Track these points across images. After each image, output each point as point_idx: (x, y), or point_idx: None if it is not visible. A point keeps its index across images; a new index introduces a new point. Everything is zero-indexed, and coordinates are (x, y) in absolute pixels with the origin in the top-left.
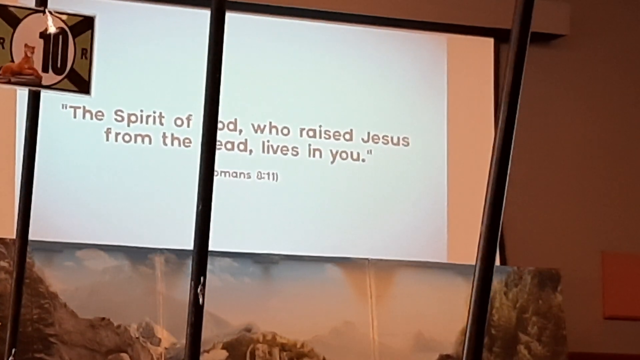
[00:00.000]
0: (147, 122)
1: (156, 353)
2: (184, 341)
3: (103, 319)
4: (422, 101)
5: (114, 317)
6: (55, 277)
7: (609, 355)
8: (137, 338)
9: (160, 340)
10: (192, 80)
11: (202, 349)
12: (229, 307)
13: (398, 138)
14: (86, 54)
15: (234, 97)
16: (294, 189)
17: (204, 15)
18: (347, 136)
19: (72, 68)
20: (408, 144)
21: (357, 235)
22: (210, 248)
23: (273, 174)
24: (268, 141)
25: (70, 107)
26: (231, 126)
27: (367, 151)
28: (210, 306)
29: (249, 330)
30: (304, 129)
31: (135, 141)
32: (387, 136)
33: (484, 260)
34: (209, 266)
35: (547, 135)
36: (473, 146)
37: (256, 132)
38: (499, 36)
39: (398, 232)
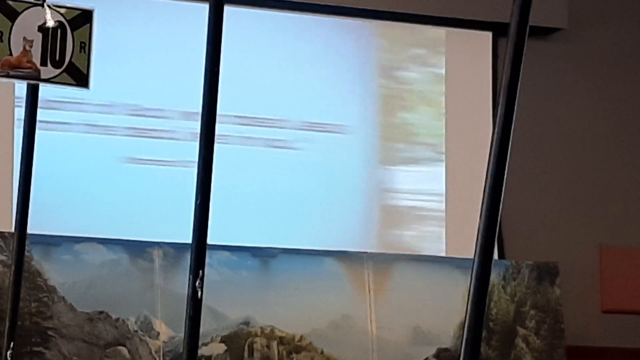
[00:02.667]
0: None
1: (154, 346)
2: (182, 334)
3: (101, 312)
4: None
5: (112, 310)
6: (54, 271)
7: (607, 349)
8: (135, 331)
9: (158, 333)
10: (187, 74)
11: (200, 343)
12: (227, 301)
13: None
14: (85, 47)
15: (168, 84)
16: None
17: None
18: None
19: (70, 61)
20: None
21: (354, 229)
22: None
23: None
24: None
25: None
26: (158, 113)
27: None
28: (208, 299)
29: (247, 323)
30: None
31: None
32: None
33: (482, 254)
34: (207, 259)
35: (546, 128)
36: (471, 140)
37: (187, 120)
38: (497, 30)
39: (396, 226)
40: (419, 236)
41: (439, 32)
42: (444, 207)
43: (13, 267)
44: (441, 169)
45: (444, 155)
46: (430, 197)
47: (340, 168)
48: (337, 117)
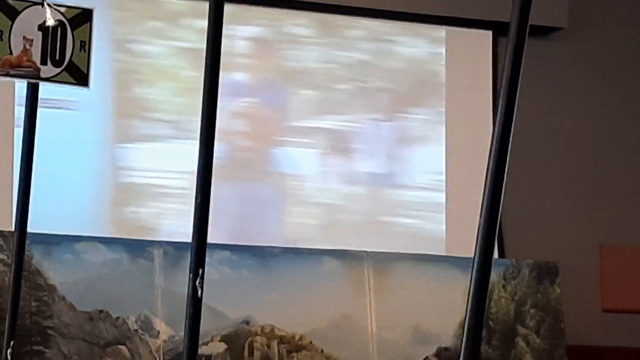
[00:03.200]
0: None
1: (155, 345)
2: (182, 334)
3: (101, 311)
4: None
5: (112, 309)
6: (54, 270)
7: (607, 348)
8: (135, 331)
9: (158, 332)
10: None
11: (200, 342)
12: (227, 300)
13: None
14: (85, 46)
15: None
16: None
17: None
18: None
19: (70, 60)
20: None
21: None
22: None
23: None
24: None
25: None
26: None
27: None
28: (208, 299)
29: (247, 322)
30: None
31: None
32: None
33: (482, 253)
34: (207, 259)
35: (546, 128)
36: (471, 139)
37: None
38: (498, 29)
39: (396, 225)
40: (156, 213)
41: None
42: (185, 184)
43: (13, 266)
44: (182, 146)
45: (183, 132)
46: (168, 175)
47: (71, 146)
48: (65, 92)
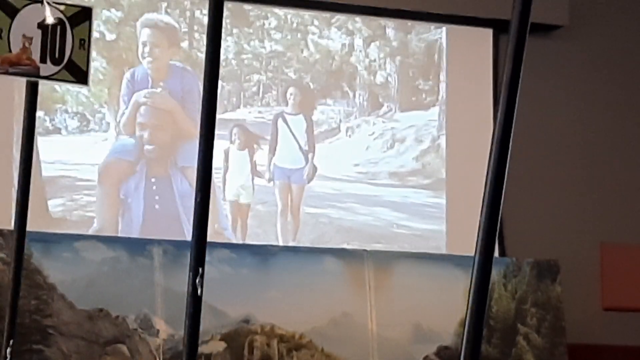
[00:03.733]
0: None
1: (154, 344)
2: (182, 332)
3: (101, 310)
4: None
5: (111, 308)
6: (53, 268)
7: (608, 347)
8: (135, 329)
9: (158, 331)
10: None
11: (200, 340)
12: (227, 299)
13: None
14: (84, 44)
15: None
16: None
17: None
18: None
19: (70, 59)
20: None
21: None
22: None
23: None
24: None
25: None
26: None
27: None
28: (208, 297)
29: (247, 321)
30: None
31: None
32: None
33: (483, 252)
34: (207, 257)
35: (546, 126)
36: (472, 137)
37: None
38: (498, 27)
39: (397, 224)
40: (67, 205)
41: None
42: (94, 177)
43: (13, 265)
44: (89, 138)
45: (89, 125)
46: (76, 167)
47: None
48: None
